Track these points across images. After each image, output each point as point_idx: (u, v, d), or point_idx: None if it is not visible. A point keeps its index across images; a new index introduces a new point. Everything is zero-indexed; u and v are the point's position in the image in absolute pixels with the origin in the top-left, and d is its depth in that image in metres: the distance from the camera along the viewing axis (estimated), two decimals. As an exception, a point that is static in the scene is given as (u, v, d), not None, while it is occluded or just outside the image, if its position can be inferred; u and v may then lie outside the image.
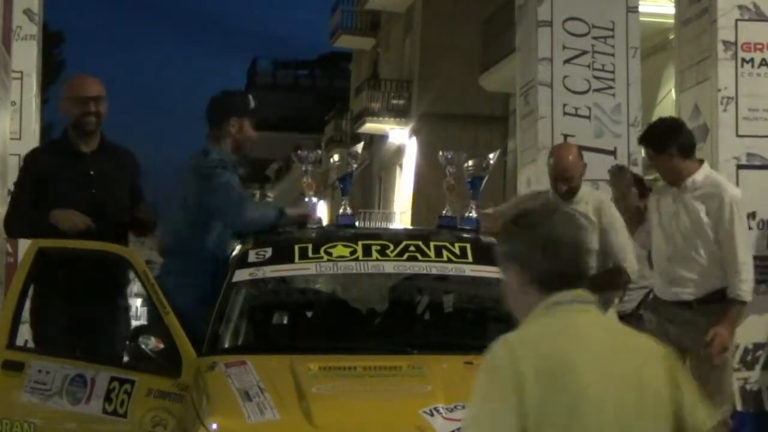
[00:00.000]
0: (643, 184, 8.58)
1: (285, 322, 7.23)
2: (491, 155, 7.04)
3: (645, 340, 3.31)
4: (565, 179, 7.15)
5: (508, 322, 6.74)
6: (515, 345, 3.14)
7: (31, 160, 6.95)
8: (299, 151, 6.98)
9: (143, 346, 5.82)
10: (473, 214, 6.83)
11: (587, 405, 3.08)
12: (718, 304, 6.66)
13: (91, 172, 6.67)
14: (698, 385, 6.69)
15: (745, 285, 6.62)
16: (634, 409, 3.14)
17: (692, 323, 6.69)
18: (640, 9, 10.32)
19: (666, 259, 6.81)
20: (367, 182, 38.02)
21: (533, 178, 9.81)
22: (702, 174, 6.77)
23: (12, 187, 7.71)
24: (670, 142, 6.75)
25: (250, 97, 6.64)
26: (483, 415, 3.13)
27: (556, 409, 3.06)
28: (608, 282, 7.00)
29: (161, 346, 5.82)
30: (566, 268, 3.22)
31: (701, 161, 6.89)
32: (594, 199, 7.27)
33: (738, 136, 8.20)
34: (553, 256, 3.21)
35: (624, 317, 6.97)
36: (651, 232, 7.07)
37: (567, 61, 9.87)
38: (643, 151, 8.51)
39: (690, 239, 6.70)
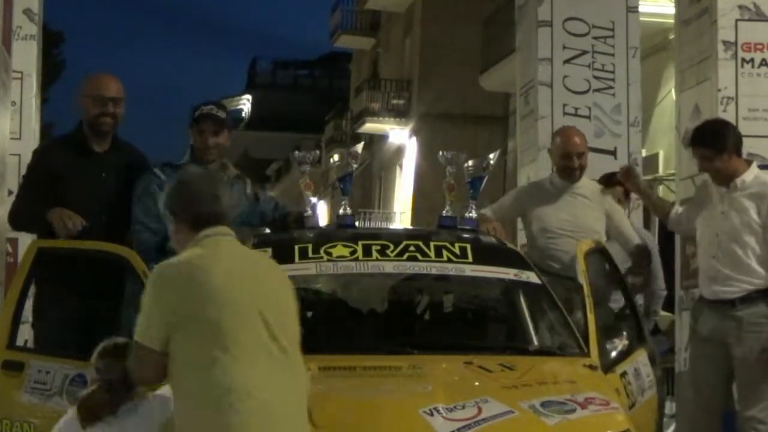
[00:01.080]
0: None
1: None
2: (491, 155, 7.04)
3: (271, 261, 4.76)
4: (578, 154, 7.20)
5: (508, 322, 6.78)
6: (169, 264, 4.45)
7: (43, 154, 6.92)
8: (296, 153, 6.99)
9: None
10: (473, 214, 6.83)
11: (220, 298, 4.27)
12: (762, 301, 6.71)
13: (103, 174, 6.67)
14: (741, 381, 6.76)
15: None
16: (267, 304, 4.36)
17: (736, 320, 6.73)
18: (640, 9, 10.31)
19: (711, 257, 6.83)
20: (367, 182, 38.02)
21: (533, 178, 9.80)
22: (752, 174, 6.82)
23: (12, 187, 7.72)
24: (729, 140, 6.81)
25: (206, 107, 6.69)
26: (144, 314, 4.38)
27: (192, 304, 4.27)
28: (643, 261, 7.34)
29: None
30: (207, 212, 4.50)
31: (749, 162, 6.93)
32: (592, 185, 7.41)
33: (738, 136, 8.19)
34: (195, 205, 4.51)
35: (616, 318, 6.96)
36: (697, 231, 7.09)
37: (567, 61, 9.87)
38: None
39: (738, 238, 6.74)
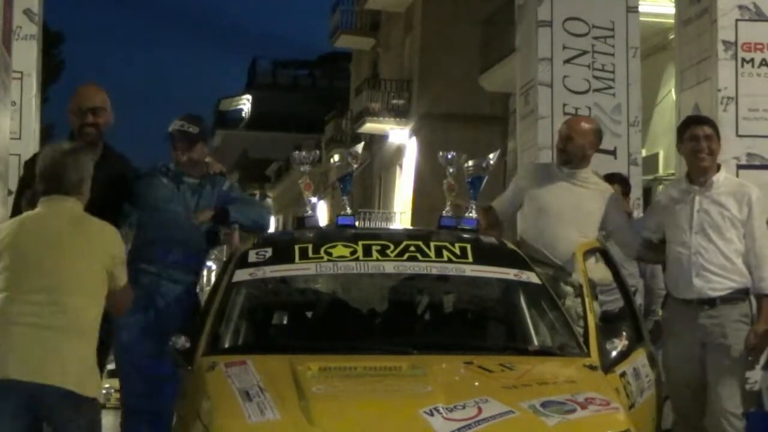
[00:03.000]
0: (627, 183, 8.61)
1: (285, 322, 7.23)
2: (491, 155, 7.04)
3: (83, 222, 5.55)
4: (568, 138, 7.20)
5: (508, 322, 6.77)
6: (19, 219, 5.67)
7: (34, 164, 6.95)
8: (296, 153, 7.01)
9: (175, 345, 5.87)
10: (473, 214, 6.83)
11: (12, 246, 5.37)
12: (743, 302, 6.80)
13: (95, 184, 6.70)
14: (716, 375, 6.77)
15: None
16: (52, 254, 5.36)
17: (716, 319, 6.78)
18: (640, 9, 10.30)
19: (693, 254, 6.84)
20: (367, 182, 38.01)
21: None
22: (723, 174, 6.96)
23: (12, 187, 7.72)
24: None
25: (178, 122, 6.88)
26: None
27: (13, 249, 5.39)
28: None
29: (187, 345, 5.88)
30: (48, 186, 5.54)
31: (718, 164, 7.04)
32: (599, 182, 7.39)
33: (738, 136, 8.20)
34: (41, 179, 5.60)
35: (611, 318, 6.95)
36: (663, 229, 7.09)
37: (567, 61, 9.86)
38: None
39: (721, 233, 6.82)
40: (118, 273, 5.51)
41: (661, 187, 17.51)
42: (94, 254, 5.44)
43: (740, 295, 6.80)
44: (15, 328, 5.26)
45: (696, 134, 6.91)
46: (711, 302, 6.78)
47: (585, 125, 7.41)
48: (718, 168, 6.97)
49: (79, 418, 5.29)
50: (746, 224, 6.80)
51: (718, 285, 6.79)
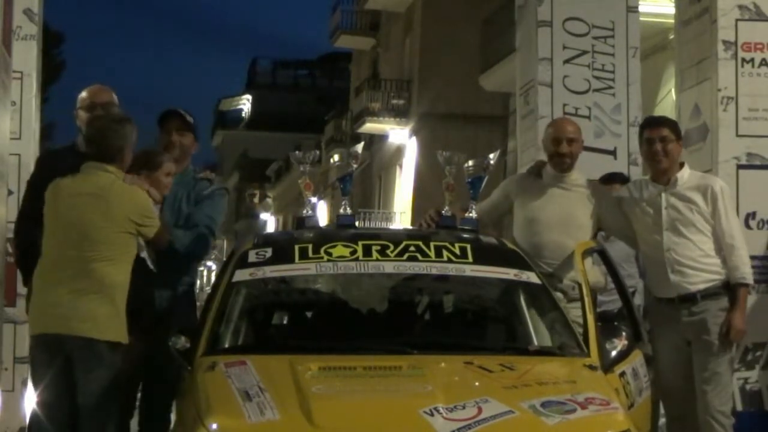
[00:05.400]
0: (627, 183, 8.61)
1: (285, 322, 7.23)
2: (491, 155, 7.04)
3: (111, 188, 6.09)
4: (568, 140, 7.15)
5: (508, 322, 6.77)
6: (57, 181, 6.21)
7: (42, 162, 7.03)
8: (296, 153, 6.99)
9: (174, 345, 5.87)
10: (473, 214, 6.83)
11: (52, 209, 6.09)
12: (723, 296, 6.85)
13: None
14: (702, 373, 6.80)
15: (748, 268, 6.91)
16: (84, 219, 6.01)
17: (697, 313, 6.83)
18: (640, 9, 10.29)
19: (666, 251, 6.86)
20: (367, 182, 38.02)
21: (533, 178, 9.78)
22: (686, 171, 7.05)
23: (12, 187, 7.73)
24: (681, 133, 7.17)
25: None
26: None
27: (51, 215, 6.14)
28: None
29: (187, 345, 5.88)
30: (91, 150, 6.21)
31: (681, 163, 7.12)
32: (587, 182, 7.34)
33: (738, 136, 8.20)
34: (86, 142, 6.34)
35: (610, 318, 6.95)
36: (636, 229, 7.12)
37: (567, 61, 9.85)
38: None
39: (692, 227, 6.88)
40: (145, 230, 6.12)
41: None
42: (115, 223, 6.02)
43: (720, 290, 6.85)
44: (52, 289, 6.01)
45: (650, 137, 7.02)
46: (692, 298, 6.82)
47: (574, 126, 7.37)
48: (682, 166, 7.04)
49: (99, 366, 5.95)
50: (713, 216, 6.88)
51: (695, 279, 6.85)
